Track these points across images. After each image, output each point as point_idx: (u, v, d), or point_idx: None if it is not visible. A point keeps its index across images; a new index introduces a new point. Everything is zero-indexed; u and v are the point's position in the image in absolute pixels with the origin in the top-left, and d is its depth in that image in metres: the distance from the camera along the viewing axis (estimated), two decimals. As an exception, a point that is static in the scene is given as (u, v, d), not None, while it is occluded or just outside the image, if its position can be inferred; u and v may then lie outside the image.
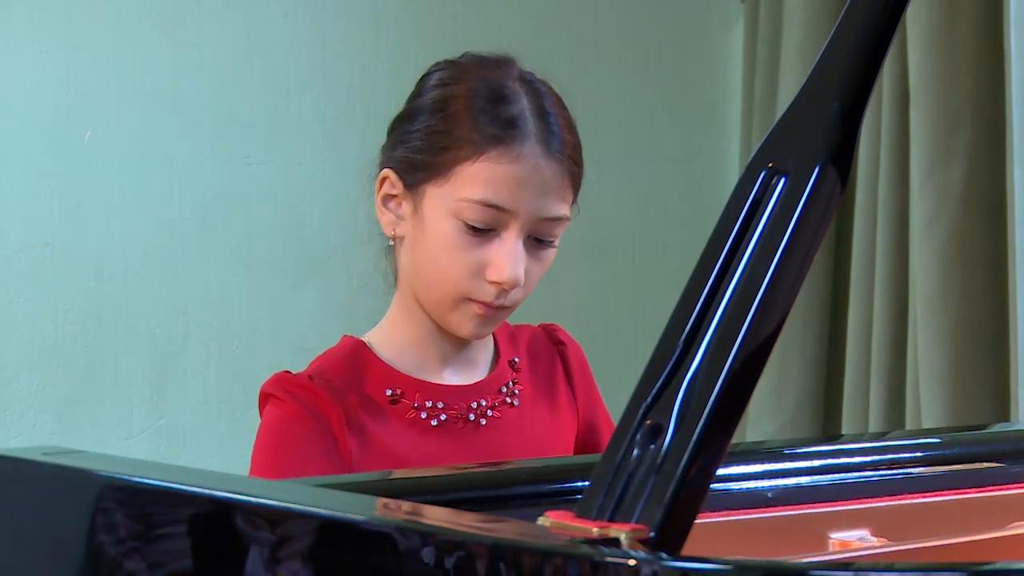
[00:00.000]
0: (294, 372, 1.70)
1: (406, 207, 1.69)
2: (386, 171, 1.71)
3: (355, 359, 1.71)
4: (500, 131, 1.64)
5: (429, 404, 1.69)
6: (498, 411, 1.73)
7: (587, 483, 1.03)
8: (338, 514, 1.08)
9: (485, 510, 1.20)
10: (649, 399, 1.04)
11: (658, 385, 1.04)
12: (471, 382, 1.74)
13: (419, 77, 1.75)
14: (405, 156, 1.69)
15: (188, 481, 1.19)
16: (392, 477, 1.49)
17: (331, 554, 1.06)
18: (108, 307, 2.96)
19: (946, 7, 2.98)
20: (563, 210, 1.67)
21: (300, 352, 3.10)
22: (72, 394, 2.93)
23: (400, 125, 1.72)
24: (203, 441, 3.04)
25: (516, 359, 1.78)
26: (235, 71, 3.07)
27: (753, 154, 1.11)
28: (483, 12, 3.32)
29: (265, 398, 1.68)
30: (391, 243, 1.74)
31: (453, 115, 1.66)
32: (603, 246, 3.42)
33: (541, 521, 1.01)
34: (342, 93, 3.16)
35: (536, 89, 1.69)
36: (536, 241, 1.67)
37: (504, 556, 0.96)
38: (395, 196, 1.70)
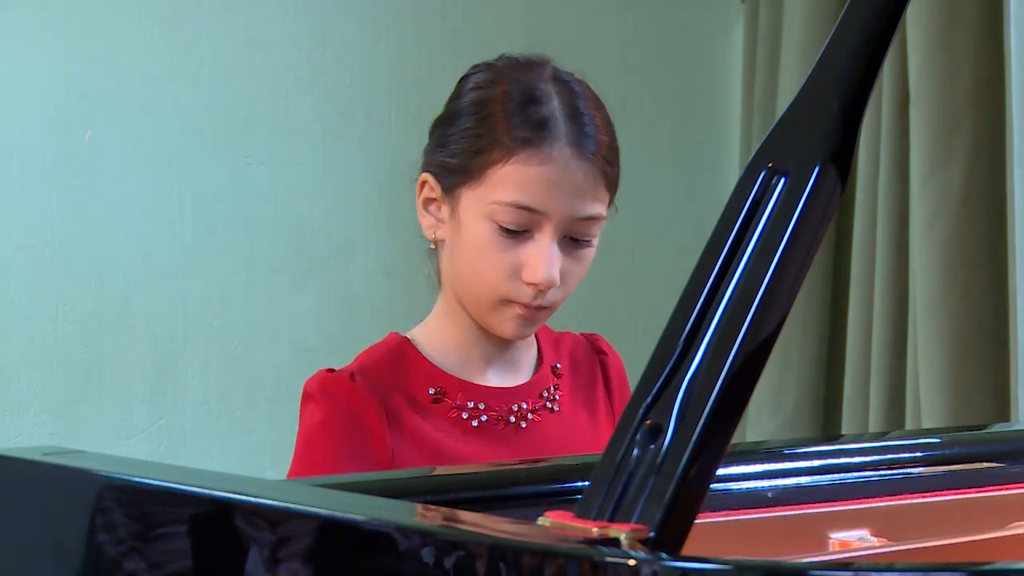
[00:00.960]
0: (337, 369, 1.71)
1: (444, 210, 1.70)
2: (425, 175, 1.72)
3: (400, 356, 1.72)
4: (530, 133, 1.64)
5: (471, 404, 1.70)
6: (539, 415, 1.74)
7: (587, 483, 1.03)
8: (338, 514, 1.08)
9: (485, 510, 1.20)
10: (649, 399, 1.04)
11: (658, 385, 1.04)
12: (514, 384, 1.75)
13: (458, 79, 1.76)
14: (442, 160, 1.70)
15: (188, 481, 1.19)
16: (392, 477, 1.49)
17: (331, 554, 1.06)
18: (108, 307, 2.96)
19: (946, 7, 2.98)
20: (597, 209, 1.68)
21: (300, 352, 3.11)
22: (72, 394, 2.93)
23: (438, 129, 1.73)
24: (203, 441, 3.04)
25: (558, 365, 1.79)
26: (235, 71, 3.07)
27: (753, 154, 1.11)
28: (483, 13, 3.32)
29: (307, 398, 1.70)
30: (432, 246, 1.75)
31: (486, 118, 1.67)
32: (603, 246, 3.41)
33: (541, 521, 1.01)
34: (342, 93, 3.16)
35: (571, 89, 1.70)
36: (572, 241, 1.68)
37: (504, 556, 0.96)
38: (435, 200, 1.71)
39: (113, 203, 2.96)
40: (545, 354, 1.79)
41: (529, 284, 1.66)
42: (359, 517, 1.07)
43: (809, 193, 1.07)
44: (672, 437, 1.01)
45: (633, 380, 1.05)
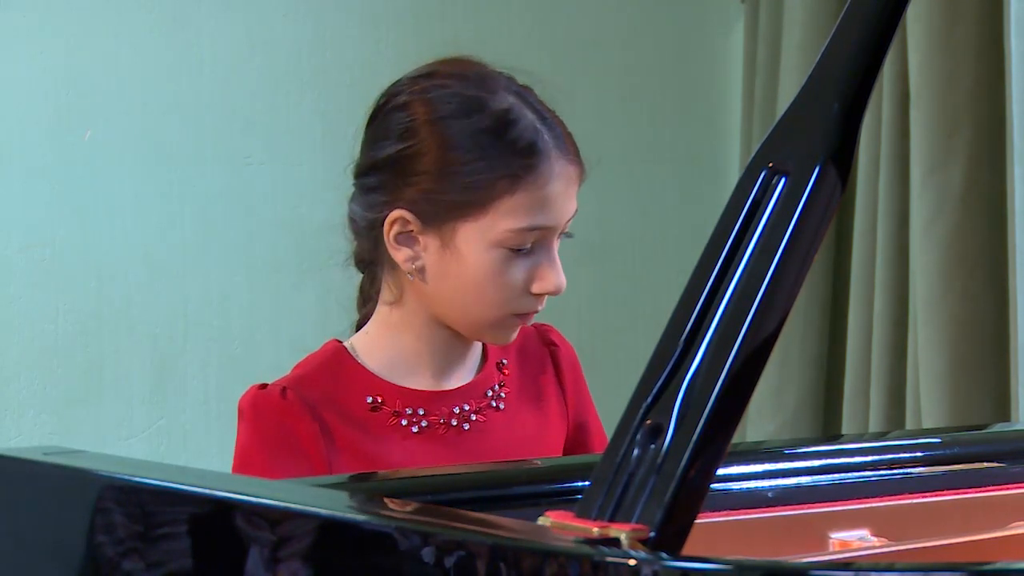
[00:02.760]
0: (271, 383, 1.70)
1: (430, 242, 1.66)
2: (399, 212, 1.66)
3: (336, 366, 1.71)
4: (527, 159, 1.63)
5: (410, 411, 1.68)
6: (483, 415, 1.72)
7: (587, 483, 1.03)
8: (338, 514, 1.08)
9: (485, 510, 1.20)
10: (649, 399, 1.04)
11: (658, 385, 1.04)
12: (456, 386, 1.72)
13: (393, 108, 1.71)
14: (423, 196, 1.65)
15: (188, 481, 1.19)
16: (392, 477, 1.49)
17: (331, 554, 1.06)
18: (108, 307, 2.96)
19: (946, 7, 2.98)
20: (577, 202, 1.69)
21: (300, 352, 3.08)
22: (72, 394, 2.93)
23: (402, 165, 1.67)
24: (203, 441, 3.04)
25: (504, 360, 1.77)
26: (235, 71, 3.07)
27: (753, 154, 1.11)
28: (483, 12, 3.32)
29: (240, 415, 1.70)
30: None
31: (470, 151, 1.63)
32: (603, 246, 3.42)
33: (541, 521, 1.01)
34: (342, 93, 3.15)
35: (525, 99, 1.68)
36: (558, 238, 1.69)
37: (504, 556, 0.96)
38: (411, 232, 1.67)
39: (113, 203, 2.96)
40: (490, 351, 1.77)
41: (539, 295, 1.66)
42: (359, 517, 1.07)
43: (809, 193, 1.07)
44: (672, 437, 1.01)
45: (633, 380, 1.05)
